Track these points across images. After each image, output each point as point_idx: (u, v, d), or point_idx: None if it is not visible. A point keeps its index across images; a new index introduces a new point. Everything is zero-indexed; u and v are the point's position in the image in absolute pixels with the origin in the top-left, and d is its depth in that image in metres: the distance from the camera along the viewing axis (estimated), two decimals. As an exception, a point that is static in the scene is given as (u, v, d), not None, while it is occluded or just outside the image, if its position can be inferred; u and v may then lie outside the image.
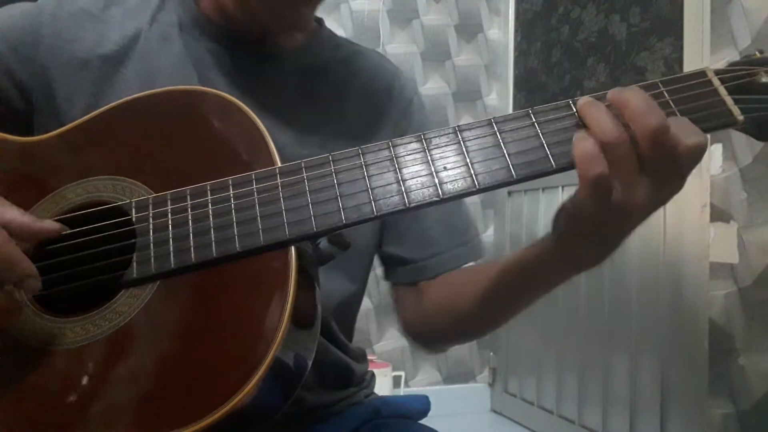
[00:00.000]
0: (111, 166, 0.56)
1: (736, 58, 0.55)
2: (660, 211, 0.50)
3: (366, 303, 2.33)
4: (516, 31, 2.46)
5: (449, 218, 0.74)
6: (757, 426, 1.33)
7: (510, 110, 2.44)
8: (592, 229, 0.49)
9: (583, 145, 0.47)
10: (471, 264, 0.74)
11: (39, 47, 0.66)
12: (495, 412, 2.43)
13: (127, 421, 0.46)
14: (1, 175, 0.58)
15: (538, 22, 2.31)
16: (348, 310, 0.76)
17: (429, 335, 0.75)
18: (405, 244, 0.74)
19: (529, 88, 2.35)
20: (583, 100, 0.49)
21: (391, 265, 0.76)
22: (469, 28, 2.52)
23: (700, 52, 1.53)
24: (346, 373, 0.75)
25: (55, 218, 0.54)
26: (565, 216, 0.51)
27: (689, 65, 1.59)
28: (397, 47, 2.42)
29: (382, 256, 0.77)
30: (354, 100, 0.74)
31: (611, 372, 1.81)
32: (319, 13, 0.79)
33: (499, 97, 2.52)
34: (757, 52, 0.53)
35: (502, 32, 2.52)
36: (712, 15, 1.48)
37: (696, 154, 0.46)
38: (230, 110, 0.57)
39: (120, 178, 0.56)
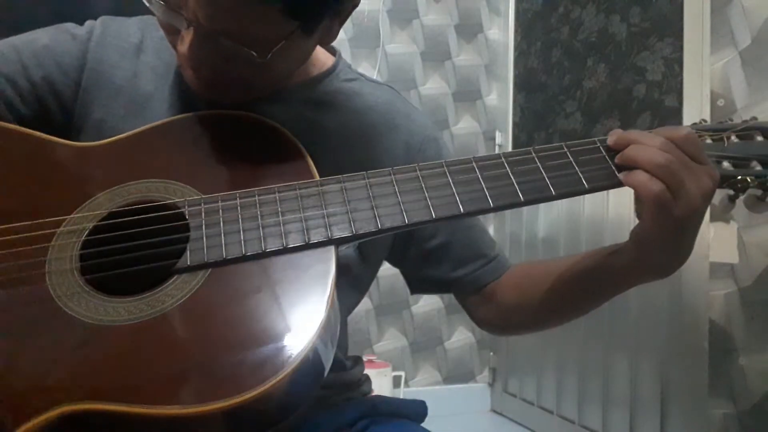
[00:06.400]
0: (163, 171, 0.63)
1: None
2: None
3: (366, 303, 2.33)
4: (516, 31, 2.45)
5: (477, 240, 0.81)
6: (757, 426, 1.33)
7: (510, 110, 2.45)
8: (671, 236, 0.59)
9: (635, 175, 0.58)
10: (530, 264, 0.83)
11: (84, 71, 0.71)
12: (495, 412, 2.43)
13: (185, 390, 0.50)
14: (61, 173, 0.64)
15: (538, 22, 2.31)
16: (348, 318, 0.80)
17: (510, 329, 0.85)
18: (442, 265, 0.79)
19: (529, 88, 2.35)
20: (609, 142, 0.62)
21: (431, 287, 0.82)
22: (469, 28, 2.52)
23: (700, 52, 1.52)
24: (340, 378, 0.77)
25: (113, 210, 0.59)
26: (644, 231, 0.61)
27: (689, 65, 1.59)
28: (397, 47, 2.42)
29: (418, 277, 0.82)
30: (356, 136, 0.74)
31: (611, 372, 1.81)
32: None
33: (499, 97, 2.52)
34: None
35: (502, 32, 2.52)
36: (712, 15, 1.48)
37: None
38: (274, 132, 0.66)
39: (171, 182, 0.62)
